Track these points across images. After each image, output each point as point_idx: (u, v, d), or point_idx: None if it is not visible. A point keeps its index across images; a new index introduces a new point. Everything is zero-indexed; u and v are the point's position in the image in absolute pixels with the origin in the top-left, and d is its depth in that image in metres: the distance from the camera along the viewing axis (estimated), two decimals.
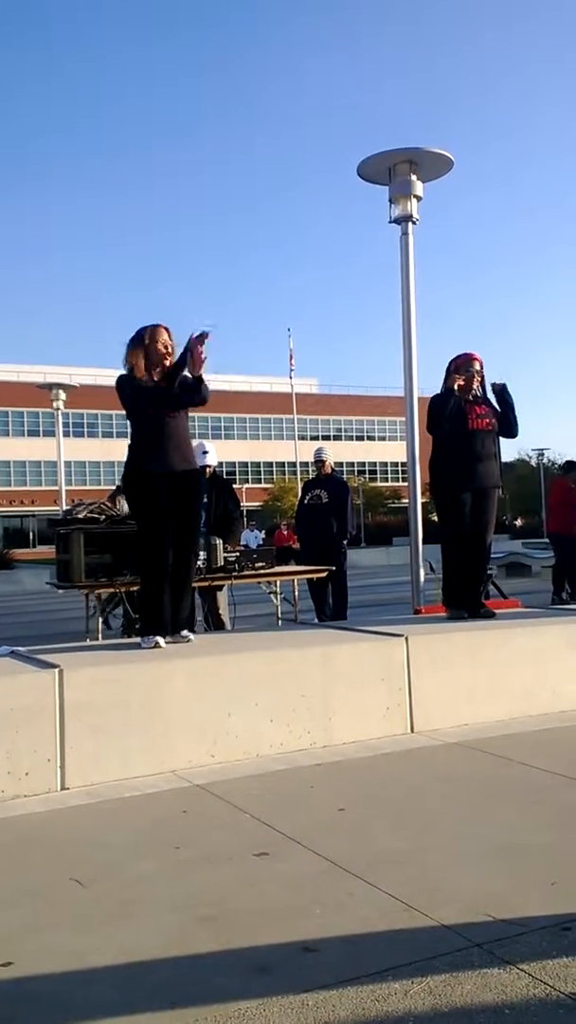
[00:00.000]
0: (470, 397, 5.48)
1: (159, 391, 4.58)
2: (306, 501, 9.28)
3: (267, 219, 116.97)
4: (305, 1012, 1.93)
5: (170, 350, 4.64)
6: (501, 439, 5.62)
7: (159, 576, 4.61)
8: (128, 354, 4.64)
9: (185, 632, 4.74)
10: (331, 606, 8.93)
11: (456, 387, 5.39)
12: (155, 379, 4.62)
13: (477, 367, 5.51)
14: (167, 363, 4.61)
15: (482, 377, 5.55)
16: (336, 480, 9.34)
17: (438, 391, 5.56)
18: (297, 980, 2.05)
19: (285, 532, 21.84)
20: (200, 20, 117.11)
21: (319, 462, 9.30)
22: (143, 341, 4.63)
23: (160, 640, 4.51)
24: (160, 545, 4.59)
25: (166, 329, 4.67)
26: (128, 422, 4.74)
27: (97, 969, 2.15)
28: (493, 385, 5.59)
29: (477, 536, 5.47)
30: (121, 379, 4.65)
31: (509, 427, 5.60)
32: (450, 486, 5.43)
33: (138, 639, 4.66)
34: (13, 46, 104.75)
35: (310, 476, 9.34)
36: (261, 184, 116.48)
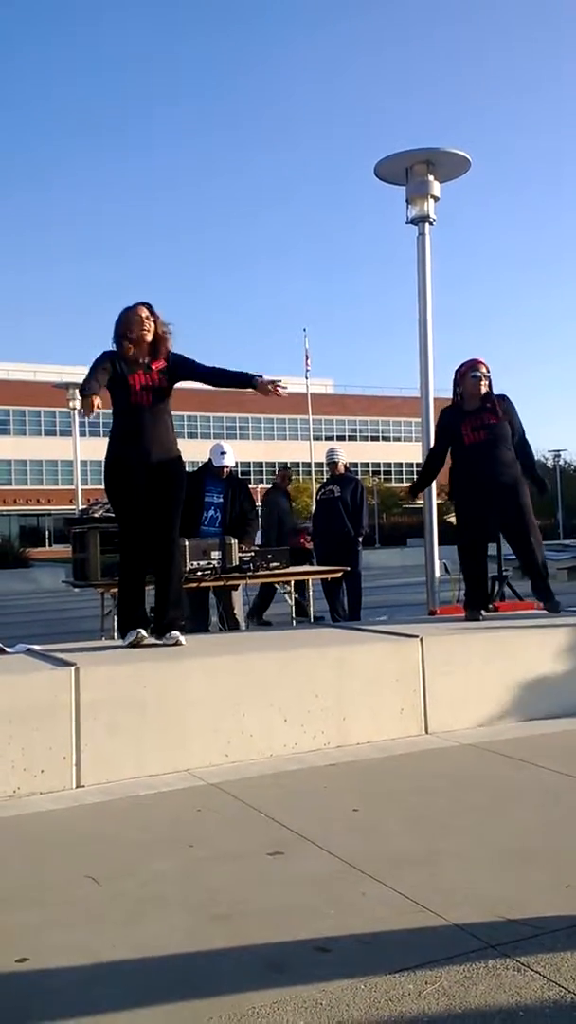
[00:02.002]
0: (470, 407, 5.50)
1: (140, 375, 4.47)
2: (319, 497, 9.32)
3: (283, 219, 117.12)
4: (319, 1012, 1.93)
5: (147, 325, 4.53)
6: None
7: (135, 571, 4.58)
8: (113, 338, 4.57)
9: (175, 633, 4.50)
10: (345, 606, 8.94)
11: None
12: (138, 358, 4.52)
13: (483, 371, 5.51)
14: (147, 338, 4.53)
15: (489, 381, 5.55)
16: (348, 478, 9.35)
17: (446, 408, 5.64)
18: (311, 980, 2.06)
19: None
20: (214, 22, 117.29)
21: (332, 463, 9.31)
22: (123, 323, 4.55)
23: (142, 632, 4.46)
24: (136, 540, 4.54)
25: (145, 305, 4.58)
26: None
27: (111, 966, 2.17)
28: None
29: (518, 531, 5.53)
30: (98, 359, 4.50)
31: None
32: (463, 495, 5.53)
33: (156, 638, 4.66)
34: (13, 52, 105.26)
35: (325, 477, 9.37)
36: (277, 184, 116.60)
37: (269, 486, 11.41)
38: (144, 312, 4.56)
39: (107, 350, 4.56)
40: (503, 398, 5.59)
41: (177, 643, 4.45)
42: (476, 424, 5.44)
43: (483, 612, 5.56)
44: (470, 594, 5.60)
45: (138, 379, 4.50)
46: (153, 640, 4.53)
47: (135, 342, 4.54)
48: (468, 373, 5.51)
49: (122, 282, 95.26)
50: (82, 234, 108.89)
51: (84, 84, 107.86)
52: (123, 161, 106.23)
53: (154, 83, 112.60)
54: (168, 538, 4.60)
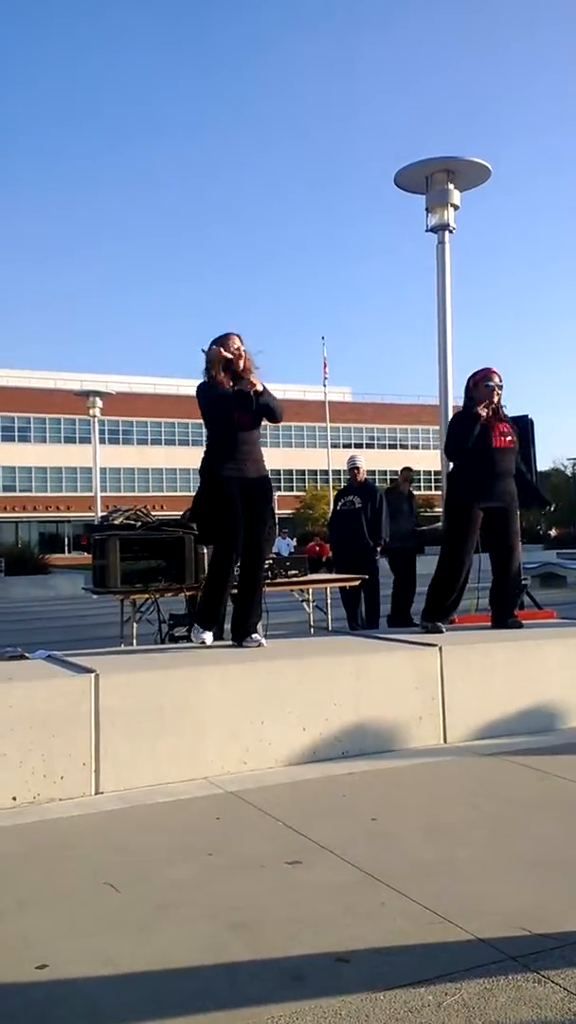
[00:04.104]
0: (489, 413, 5.43)
1: (236, 399, 4.71)
2: (339, 507, 9.31)
3: (303, 225, 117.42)
4: (338, 1022, 1.92)
5: (241, 354, 4.78)
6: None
7: (225, 577, 4.83)
8: (207, 364, 4.82)
9: (256, 636, 4.82)
10: (363, 614, 8.92)
11: (481, 415, 5.33)
12: (231, 385, 4.76)
13: (496, 381, 5.46)
14: (240, 366, 4.76)
15: (501, 392, 5.52)
16: (369, 487, 9.34)
17: (460, 411, 5.56)
18: (330, 990, 2.05)
19: (318, 548, 21.62)
20: (215, 17, 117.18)
21: (353, 469, 9.31)
22: (218, 353, 4.79)
23: (208, 637, 4.76)
24: (231, 548, 4.75)
25: (237, 336, 4.84)
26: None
27: (130, 974, 2.17)
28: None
29: (506, 553, 5.47)
30: (200, 386, 4.83)
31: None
32: (467, 502, 5.35)
33: (172, 643, 4.69)
34: (14, 49, 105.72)
35: (343, 484, 9.37)
36: (297, 189, 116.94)
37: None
38: (237, 341, 4.80)
39: (205, 384, 4.78)
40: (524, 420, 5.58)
41: (260, 645, 4.75)
42: (499, 431, 5.40)
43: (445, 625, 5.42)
44: (447, 603, 5.41)
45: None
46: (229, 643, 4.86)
47: (227, 370, 4.76)
48: (482, 382, 5.47)
49: (128, 285, 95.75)
50: (81, 236, 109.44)
51: (85, 77, 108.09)
52: (125, 153, 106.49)
53: (155, 79, 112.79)
54: (258, 554, 4.91)
